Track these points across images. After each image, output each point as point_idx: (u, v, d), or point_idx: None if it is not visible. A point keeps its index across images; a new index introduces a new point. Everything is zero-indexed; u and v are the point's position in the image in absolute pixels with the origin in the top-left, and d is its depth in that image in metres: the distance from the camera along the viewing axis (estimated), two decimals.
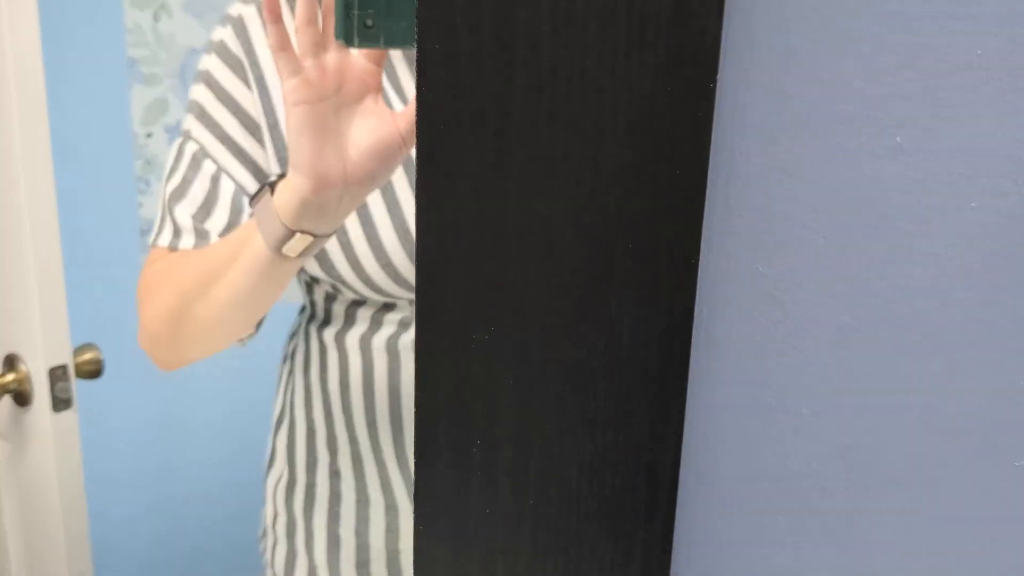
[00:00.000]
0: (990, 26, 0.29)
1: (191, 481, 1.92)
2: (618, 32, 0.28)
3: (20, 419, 1.21)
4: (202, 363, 0.92)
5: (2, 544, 1.29)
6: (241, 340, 0.90)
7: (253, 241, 0.75)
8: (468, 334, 0.32)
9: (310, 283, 0.94)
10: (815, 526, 0.35)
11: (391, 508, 0.93)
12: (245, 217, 0.87)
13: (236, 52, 0.89)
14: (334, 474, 0.95)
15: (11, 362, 1.20)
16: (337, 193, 0.68)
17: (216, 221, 0.86)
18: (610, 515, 0.34)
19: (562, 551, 0.34)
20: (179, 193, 0.88)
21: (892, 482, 0.34)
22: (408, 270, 0.85)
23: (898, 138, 0.31)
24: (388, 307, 0.91)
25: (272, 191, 0.72)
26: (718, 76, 0.30)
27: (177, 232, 0.87)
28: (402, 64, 0.88)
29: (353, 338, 0.92)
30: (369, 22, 0.60)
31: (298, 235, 0.71)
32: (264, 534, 1.03)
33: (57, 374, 1.16)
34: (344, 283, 0.89)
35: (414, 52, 0.30)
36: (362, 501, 0.94)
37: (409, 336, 0.90)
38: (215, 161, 0.88)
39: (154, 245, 0.89)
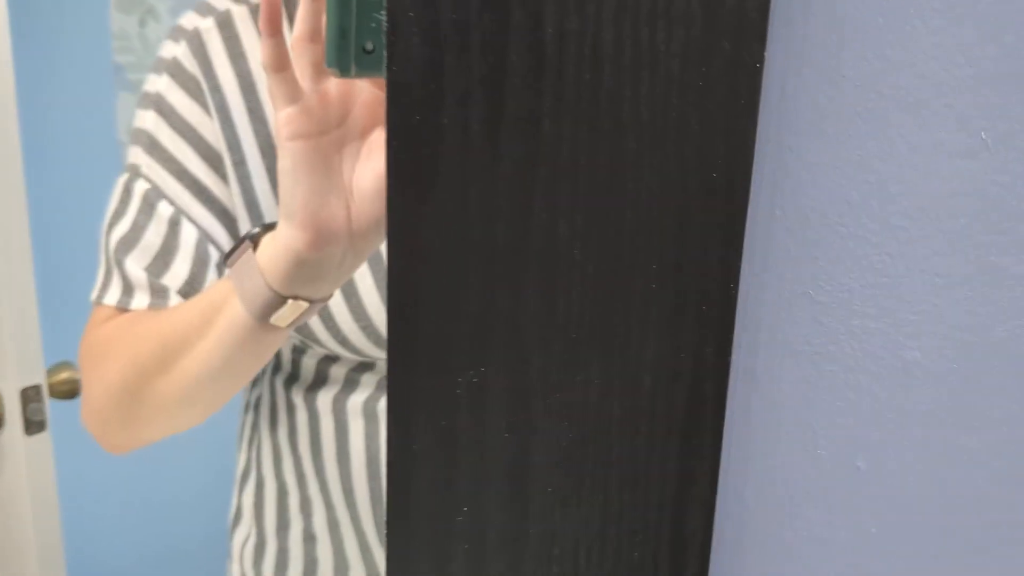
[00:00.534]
0: None
1: (172, 506, 1.86)
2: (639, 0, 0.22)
3: None
4: None
5: None
6: None
7: (229, 307, 0.62)
8: (452, 375, 0.26)
9: None
10: None
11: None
12: (211, 269, 0.74)
13: (192, 72, 0.75)
14: (309, 538, 0.85)
15: None
16: (340, 248, 0.56)
17: (175, 275, 0.73)
18: None
19: None
20: (129, 241, 0.74)
21: (967, 550, 0.28)
22: None
23: (983, 133, 0.26)
24: (365, 366, 0.79)
25: (255, 246, 0.60)
26: (765, 53, 0.24)
27: (128, 288, 0.74)
28: None
29: (325, 399, 0.81)
30: (369, 45, 0.50)
31: (290, 302, 0.59)
32: None
33: (30, 395, 1.10)
34: (316, 341, 0.77)
35: None
36: (341, 567, 0.85)
37: None
38: (172, 202, 0.73)
39: (98, 303, 0.75)
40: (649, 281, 0.25)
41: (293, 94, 0.55)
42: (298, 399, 0.82)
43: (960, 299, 0.27)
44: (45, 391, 1.15)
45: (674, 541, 0.27)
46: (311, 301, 0.60)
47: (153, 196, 0.74)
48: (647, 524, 0.27)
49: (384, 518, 0.83)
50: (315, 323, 0.75)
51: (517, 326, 0.25)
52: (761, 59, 0.24)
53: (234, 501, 0.93)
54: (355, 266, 0.59)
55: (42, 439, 1.15)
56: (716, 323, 0.26)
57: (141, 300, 0.73)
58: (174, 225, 0.73)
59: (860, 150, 0.26)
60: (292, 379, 0.82)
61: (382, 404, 0.77)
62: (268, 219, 0.73)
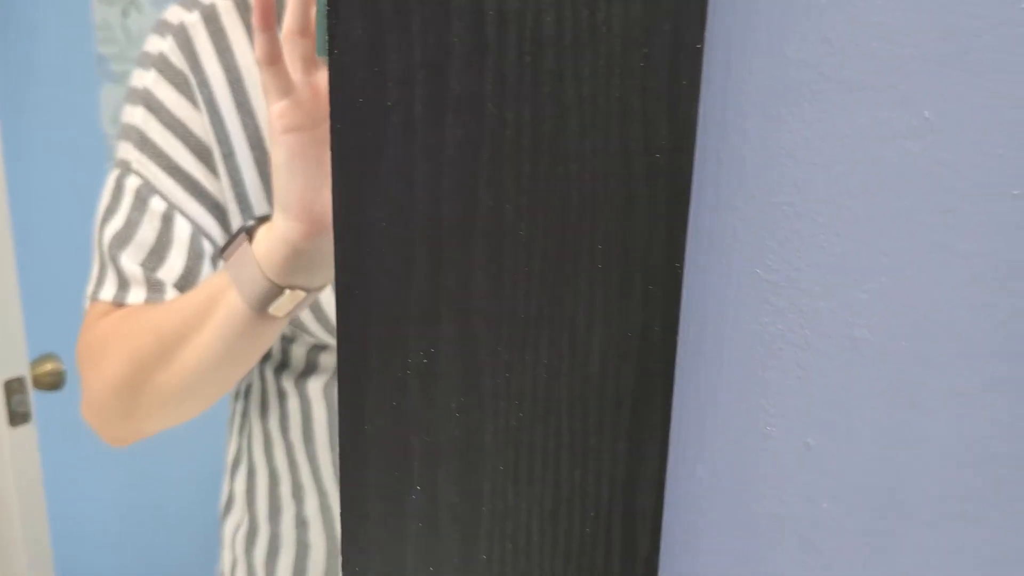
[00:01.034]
0: None
1: (160, 495, 1.87)
2: None
3: None
4: None
5: None
6: None
7: (227, 299, 0.63)
8: (403, 356, 0.26)
9: None
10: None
11: None
12: (206, 262, 0.75)
13: (180, 67, 0.75)
14: (301, 524, 0.87)
15: None
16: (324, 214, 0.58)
17: (170, 269, 0.74)
18: (581, 571, 0.28)
19: None
20: (123, 237, 0.75)
21: (915, 525, 0.29)
22: None
23: (926, 112, 0.26)
24: None
25: (250, 238, 0.61)
26: (705, 34, 0.24)
27: (123, 283, 0.74)
28: None
29: (316, 387, 0.82)
30: None
31: (287, 292, 0.60)
32: None
33: (13, 386, 1.10)
34: (306, 331, 0.78)
35: None
36: (333, 552, 0.86)
37: None
38: (165, 198, 0.74)
39: (94, 299, 0.76)
40: (595, 261, 0.25)
41: (286, 87, 0.56)
42: (289, 386, 0.83)
43: (907, 277, 0.28)
44: (29, 383, 1.15)
45: (626, 518, 0.28)
46: (307, 290, 0.61)
47: (145, 192, 0.74)
48: (599, 502, 0.28)
49: None
50: (304, 312, 0.76)
51: (465, 307, 0.26)
52: (701, 40, 0.24)
53: (225, 488, 0.94)
54: None
55: (27, 430, 1.15)
56: (662, 303, 0.26)
57: (137, 295, 0.73)
58: (167, 220, 0.74)
59: (805, 131, 0.27)
60: (282, 367, 0.83)
61: None
62: (258, 211, 0.74)
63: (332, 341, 0.77)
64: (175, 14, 0.77)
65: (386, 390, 0.26)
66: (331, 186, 0.24)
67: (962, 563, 0.29)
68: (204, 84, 0.75)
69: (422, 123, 0.24)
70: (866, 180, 0.27)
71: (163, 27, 0.77)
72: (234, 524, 0.92)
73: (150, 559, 1.91)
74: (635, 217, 0.25)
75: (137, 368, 0.70)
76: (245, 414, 0.89)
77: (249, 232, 0.62)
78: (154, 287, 0.73)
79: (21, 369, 1.13)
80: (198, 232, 0.74)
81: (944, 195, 0.27)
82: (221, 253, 0.64)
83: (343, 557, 0.28)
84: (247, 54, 0.75)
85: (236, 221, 0.75)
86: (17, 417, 1.12)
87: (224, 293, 0.64)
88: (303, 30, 0.56)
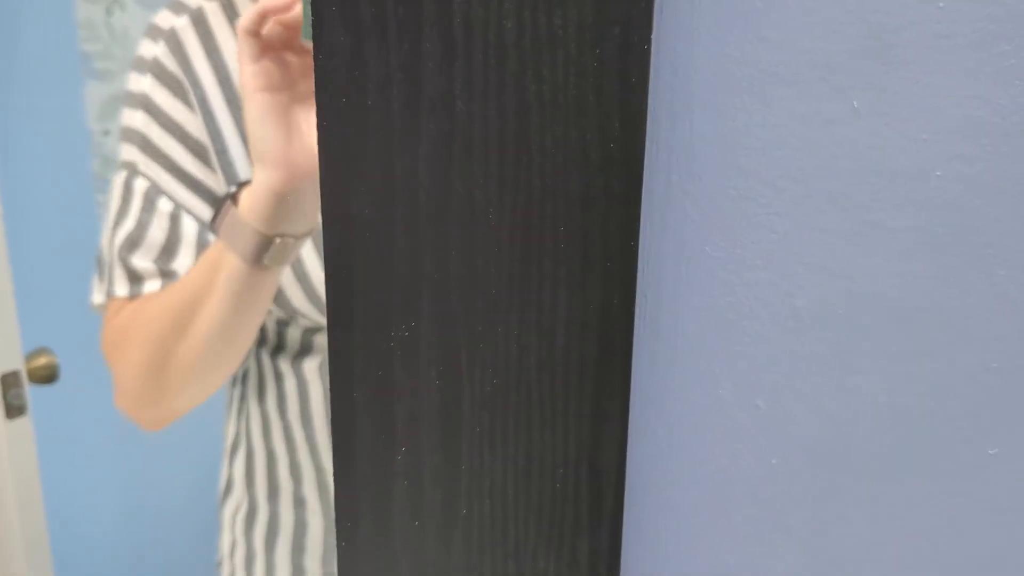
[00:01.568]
0: None
1: (156, 485, 1.88)
2: None
3: None
4: None
5: None
6: None
7: (225, 262, 0.68)
8: (387, 330, 0.29)
9: None
10: (773, 526, 0.32)
11: None
12: None
13: (173, 71, 0.80)
14: (299, 502, 0.89)
15: None
16: (311, 182, 0.63)
17: (182, 263, 0.79)
18: (552, 523, 0.31)
19: (500, 565, 0.31)
20: (135, 239, 0.79)
21: (855, 476, 0.32)
22: None
23: (854, 102, 0.29)
24: None
25: (235, 202, 0.67)
26: (652, 35, 0.27)
27: (136, 278, 0.79)
28: None
29: (311, 366, 0.86)
30: None
31: (277, 240, 0.66)
32: (220, 563, 0.99)
33: (9, 380, 1.12)
34: (301, 315, 0.82)
35: None
36: (331, 529, 0.89)
37: None
38: (172, 198, 0.79)
39: (110, 296, 0.80)
40: (558, 242, 0.28)
41: (260, 54, 0.61)
42: (285, 367, 0.86)
43: (842, 251, 0.30)
44: (24, 376, 1.17)
45: (592, 475, 0.31)
46: (295, 236, 0.66)
47: (153, 193, 0.79)
48: (567, 459, 0.30)
49: None
50: (297, 297, 0.80)
51: (442, 285, 0.28)
52: (648, 41, 0.27)
53: (224, 472, 0.97)
54: None
55: (23, 423, 1.17)
56: (620, 279, 0.29)
57: (152, 285, 0.78)
58: (175, 220, 0.79)
59: (746, 120, 0.29)
60: (278, 349, 0.87)
61: None
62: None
63: (325, 322, 0.81)
64: (165, 19, 0.82)
65: (372, 362, 0.29)
66: (319, 179, 0.27)
67: (897, 510, 0.31)
68: (196, 85, 0.79)
69: (399, 121, 0.27)
70: (802, 164, 0.30)
71: (155, 32, 0.81)
72: (233, 507, 0.95)
73: (147, 548, 1.92)
74: (593, 202, 0.28)
75: (158, 346, 0.75)
76: (243, 398, 0.92)
77: (233, 197, 0.67)
78: (168, 276, 0.78)
79: (16, 363, 1.15)
80: (204, 228, 0.79)
81: (872, 176, 0.29)
82: (211, 225, 0.69)
83: (336, 513, 0.30)
84: (234, 53, 0.79)
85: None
86: (13, 410, 1.14)
87: (222, 258, 0.69)
88: (286, 7, 0.61)
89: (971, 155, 0.28)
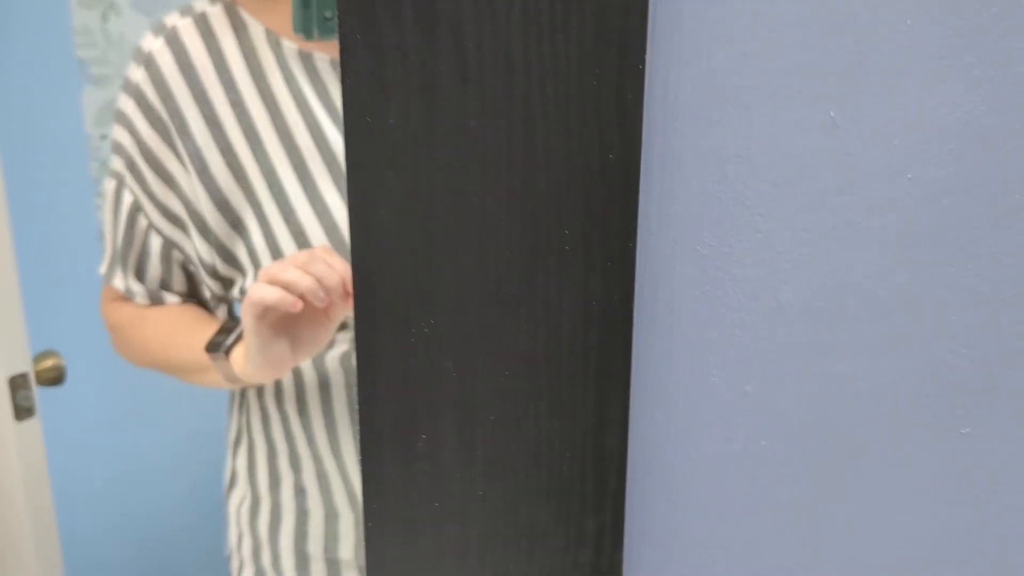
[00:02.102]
0: None
1: (162, 484, 1.90)
2: (541, 15, 0.28)
3: None
4: None
5: None
6: None
7: (211, 373, 0.85)
8: (408, 327, 0.31)
9: None
10: (763, 501, 0.35)
11: (360, 521, 0.91)
12: (175, 267, 0.93)
13: (154, 103, 0.86)
14: (300, 492, 0.92)
15: None
16: (287, 371, 0.79)
17: (152, 276, 0.93)
18: (560, 502, 0.34)
19: (513, 541, 0.34)
20: (124, 254, 0.93)
21: (837, 454, 0.34)
22: None
23: (831, 112, 0.31)
24: (340, 326, 0.89)
25: (230, 350, 0.82)
26: (647, 56, 0.29)
27: (128, 286, 0.94)
28: (334, 83, 0.86)
29: (306, 361, 0.89)
30: (328, 14, 0.59)
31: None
32: (230, 556, 1.01)
33: (18, 382, 1.15)
34: None
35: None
36: (331, 516, 0.92)
37: None
38: (147, 216, 0.90)
39: (108, 282, 0.95)
40: (563, 243, 0.31)
41: (272, 292, 0.74)
42: None
43: (822, 249, 0.32)
44: (32, 378, 1.19)
45: (596, 457, 0.34)
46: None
47: (134, 210, 0.90)
48: (573, 443, 0.33)
49: None
50: None
51: (458, 285, 0.31)
52: (643, 62, 0.30)
53: (228, 466, 1.00)
54: (308, 357, 0.82)
55: (31, 425, 1.19)
56: (620, 276, 0.32)
57: (141, 299, 0.93)
58: (147, 235, 0.91)
59: (733, 131, 0.32)
60: None
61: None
62: (230, 199, 0.85)
63: None
64: (147, 42, 0.87)
65: (395, 356, 0.32)
66: (347, 191, 0.29)
67: (876, 486, 0.33)
68: (176, 114, 0.85)
69: (419, 137, 0.29)
70: (784, 169, 0.32)
71: (138, 56, 0.87)
72: (238, 499, 0.98)
73: (154, 545, 1.93)
74: (594, 206, 0.31)
75: (152, 363, 0.94)
76: (243, 393, 0.95)
77: (227, 351, 0.82)
78: (152, 296, 0.93)
79: (24, 365, 1.17)
80: (169, 245, 0.91)
81: (849, 180, 0.31)
82: (206, 348, 0.83)
83: (364, 495, 0.33)
84: (209, 71, 0.83)
85: (211, 221, 0.86)
86: (22, 412, 1.16)
87: (209, 369, 0.85)
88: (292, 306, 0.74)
89: (940, 158, 0.30)
